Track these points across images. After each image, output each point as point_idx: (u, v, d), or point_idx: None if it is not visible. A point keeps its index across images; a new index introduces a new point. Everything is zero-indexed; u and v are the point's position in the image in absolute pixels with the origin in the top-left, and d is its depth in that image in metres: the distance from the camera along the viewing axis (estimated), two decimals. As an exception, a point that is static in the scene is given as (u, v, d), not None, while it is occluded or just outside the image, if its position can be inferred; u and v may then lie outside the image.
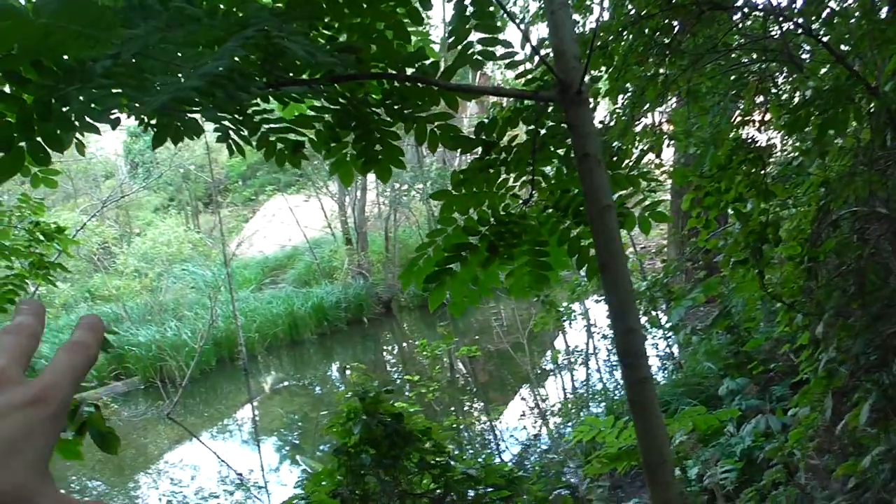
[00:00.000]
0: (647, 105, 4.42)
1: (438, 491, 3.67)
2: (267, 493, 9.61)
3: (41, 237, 4.33)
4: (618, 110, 4.52)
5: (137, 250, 19.80)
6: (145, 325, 16.35)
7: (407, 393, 10.03)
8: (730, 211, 3.89)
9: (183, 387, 13.46)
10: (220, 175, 26.47)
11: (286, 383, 15.61)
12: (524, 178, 2.99)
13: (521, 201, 3.03)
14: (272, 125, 2.88)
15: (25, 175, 3.26)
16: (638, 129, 4.87)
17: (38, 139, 2.24)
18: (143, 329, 15.88)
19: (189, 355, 14.52)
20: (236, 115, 2.82)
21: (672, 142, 5.34)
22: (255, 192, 27.46)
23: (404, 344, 17.22)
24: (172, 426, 12.86)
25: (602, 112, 6.20)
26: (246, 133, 2.92)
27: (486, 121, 2.79)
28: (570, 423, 8.53)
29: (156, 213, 24.93)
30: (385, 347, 17.86)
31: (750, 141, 3.92)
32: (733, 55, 4.29)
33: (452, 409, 10.60)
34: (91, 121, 2.45)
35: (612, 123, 4.56)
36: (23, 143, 2.22)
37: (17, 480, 0.42)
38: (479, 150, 3.00)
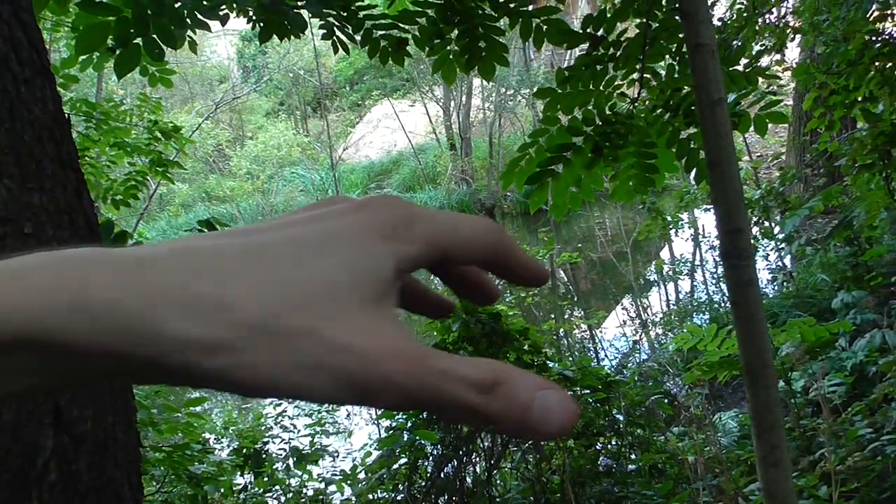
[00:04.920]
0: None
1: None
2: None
3: (159, 135, 4.55)
4: (738, 3, 4.22)
5: (249, 153, 20.51)
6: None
7: (507, 296, 10.15)
8: (858, 112, 3.61)
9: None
10: (327, 80, 26.74)
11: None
12: (633, 75, 2.87)
13: (628, 100, 2.91)
14: (376, 21, 2.86)
15: (144, 75, 3.41)
16: (759, 24, 4.53)
17: (153, 35, 2.31)
18: (256, 229, 16.68)
19: (299, 255, 15.12)
20: (341, 11, 2.82)
21: (797, 38, 4.97)
22: (361, 96, 27.63)
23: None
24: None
25: (721, 9, 5.82)
26: (350, 30, 2.92)
27: (593, 14, 2.67)
28: (671, 332, 8.43)
29: (267, 118, 25.57)
30: (487, 253, 17.97)
31: (887, 36, 3.59)
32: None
33: (552, 315, 10.65)
34: (201, 17, 2.51)
35: (731, 18, 4.27)
36: (138, 40, 2.29)
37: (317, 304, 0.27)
38: (587, 46, 2.89)
